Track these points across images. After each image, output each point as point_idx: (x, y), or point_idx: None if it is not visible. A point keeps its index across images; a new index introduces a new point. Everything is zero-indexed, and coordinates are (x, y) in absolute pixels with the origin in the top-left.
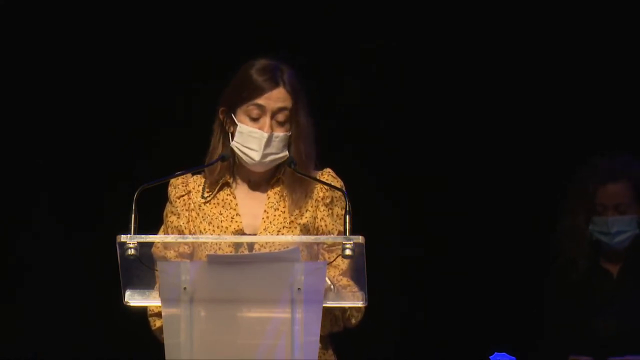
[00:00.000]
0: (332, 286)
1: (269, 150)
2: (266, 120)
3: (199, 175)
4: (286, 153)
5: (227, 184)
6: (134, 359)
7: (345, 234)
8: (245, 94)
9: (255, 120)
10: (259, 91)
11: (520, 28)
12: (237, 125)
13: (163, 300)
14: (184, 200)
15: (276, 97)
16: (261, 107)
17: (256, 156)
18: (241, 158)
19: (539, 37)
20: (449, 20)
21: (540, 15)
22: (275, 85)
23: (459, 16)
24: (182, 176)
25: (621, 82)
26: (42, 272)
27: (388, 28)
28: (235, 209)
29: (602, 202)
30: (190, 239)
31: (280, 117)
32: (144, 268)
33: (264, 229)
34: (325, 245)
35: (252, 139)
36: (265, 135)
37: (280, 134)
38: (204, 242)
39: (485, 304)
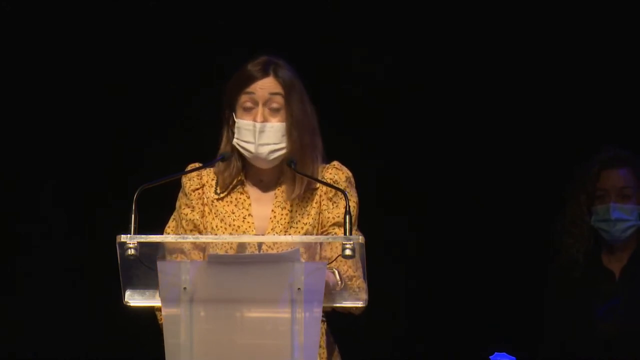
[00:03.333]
0: (340, 281)
1: (263, 141)
2: (258, 110)
3: (211, 169)
4: (285, 144)
5: (241, 183)
6: (134, 359)
7: (345, 233)
8: (238, 87)
9: (248, 110)
10: (249, 80)
11: (522, 26)
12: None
13: (163, 300)
14: (198, 193)
15: (266, 86)
16: (252, 96)
17: (252, 148)
18: (243, 154)
19: (539, 35)
20: (450, 21)
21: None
22: (265, 74)
23: (459, 16)
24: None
25: (624, 82)
26: (42, 272)
27: (392, 27)
28: (247, 209)
29: (604, 187)
30: (190, 239)
31: (273, 104)
32: (144, 268)
33: (271, 229)
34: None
35: (247, 131)
36: (257, 125)
37: (274, 123)
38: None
39: (485, 304)
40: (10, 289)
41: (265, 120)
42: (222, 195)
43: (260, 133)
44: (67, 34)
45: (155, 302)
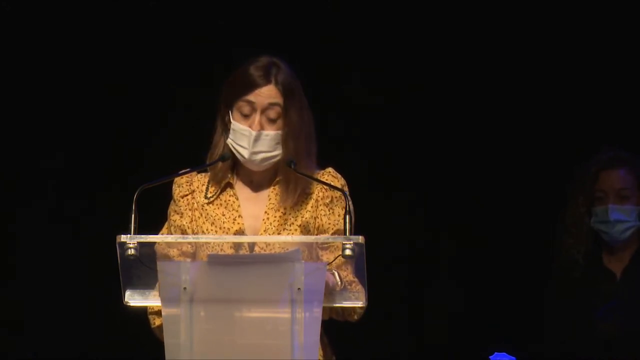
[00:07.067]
0: (339, 282)
1: (258, 149)
2: (255, 117)
3: (203, 174)
4: (279, 152)
5: (229, 185)
6: (134, 359)
7: (345, 234)
8: (238, 91)
9: (246, 117)
10: (249, 87)
11: (522, 25)
12: (232, 122)
13: (163, 300)
14: (187, 199)
15: (266, 94)
16: (251, 104)
17: (245, 153)
18: (236, 155)
19: (539, 35)
20: (450, 21)
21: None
22: (266, 82)
23: (459, 16)
24: (186, 175)
25: (623, 82)
26: (42, 272)
27: (390, 28)
28: (237, 210)
29: (603, 189)
30: (190, 239)
31: (271, 114)
32: (144, 268)
33: (264, 230)
34: (321, 244)
35: (242, 136)
36: (253, 133)
37: (270, 132)
38: (207, 242)
39: (485, 304)
40: (10, 289)
41: (261, 128)
42: (212, 199)
43: (255, 141)
44: (67, 34)
45: (155, 302)
